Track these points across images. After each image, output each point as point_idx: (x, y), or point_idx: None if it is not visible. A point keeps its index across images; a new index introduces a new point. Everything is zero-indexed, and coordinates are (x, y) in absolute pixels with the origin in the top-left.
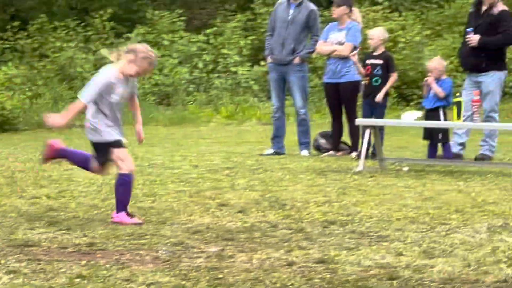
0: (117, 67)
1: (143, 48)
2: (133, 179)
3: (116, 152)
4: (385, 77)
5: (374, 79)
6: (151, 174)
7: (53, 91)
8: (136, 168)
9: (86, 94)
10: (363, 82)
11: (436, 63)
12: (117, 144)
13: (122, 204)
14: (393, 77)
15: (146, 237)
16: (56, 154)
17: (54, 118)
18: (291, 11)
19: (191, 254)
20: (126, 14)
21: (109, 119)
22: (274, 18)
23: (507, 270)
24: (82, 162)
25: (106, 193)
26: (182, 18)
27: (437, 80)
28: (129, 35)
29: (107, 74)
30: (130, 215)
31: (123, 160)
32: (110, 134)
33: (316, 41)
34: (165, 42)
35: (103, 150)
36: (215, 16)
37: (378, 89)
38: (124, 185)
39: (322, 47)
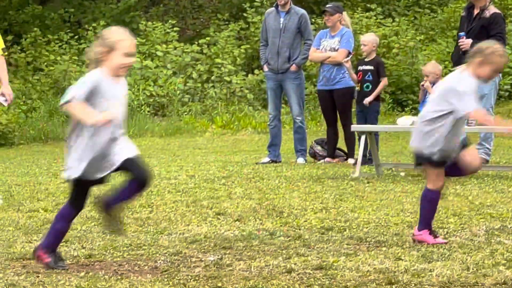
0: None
1: (488, 44)
2: (439, 197)
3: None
4: (375, 83)
5: (365, 85)
6: None
7: (48, 105)
8: None
9: None
10: (356, 88)
11: (431, 67)
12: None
13: (425, 222)
14: (383, 82)
15: (144, 247)
16: None
17: None
18: (282, 19)
19: (189, 263)
20: (119, 26)
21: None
22: (266, 28)
23: (506, 272)
24: None
25: None
26: (175, 28)
27: (433, 84)
28: None
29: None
30: (433, 233)
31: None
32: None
33: (309, 45)
34: (159, 53)
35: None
36: (208, 26)
37: (369, 95)
38: (430, 202)
39: (315, 54)
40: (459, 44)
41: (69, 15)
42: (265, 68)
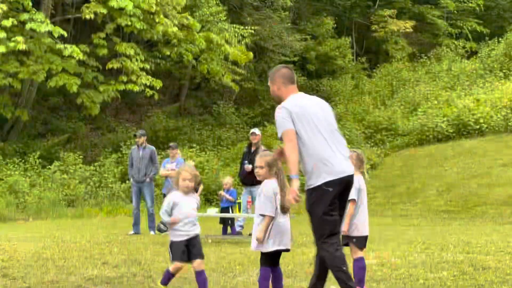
0: None
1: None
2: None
3: None
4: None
5: None
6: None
7: None
8: None
9: None
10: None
11: (227, 180)
12: None
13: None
14: (200, 187)
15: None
16: None
17: None
18: (141, 152)
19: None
20: None
21: None
22: (132, 157)
23: None
24: None
25: None
26: None
27: (227, 190)
28: None
29: None
30: None
31: None
32: None
33: (157, 168)
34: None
35: None
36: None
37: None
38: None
39: (163, 172)
40: (244, 166)
41: None
42: (131, 180)
